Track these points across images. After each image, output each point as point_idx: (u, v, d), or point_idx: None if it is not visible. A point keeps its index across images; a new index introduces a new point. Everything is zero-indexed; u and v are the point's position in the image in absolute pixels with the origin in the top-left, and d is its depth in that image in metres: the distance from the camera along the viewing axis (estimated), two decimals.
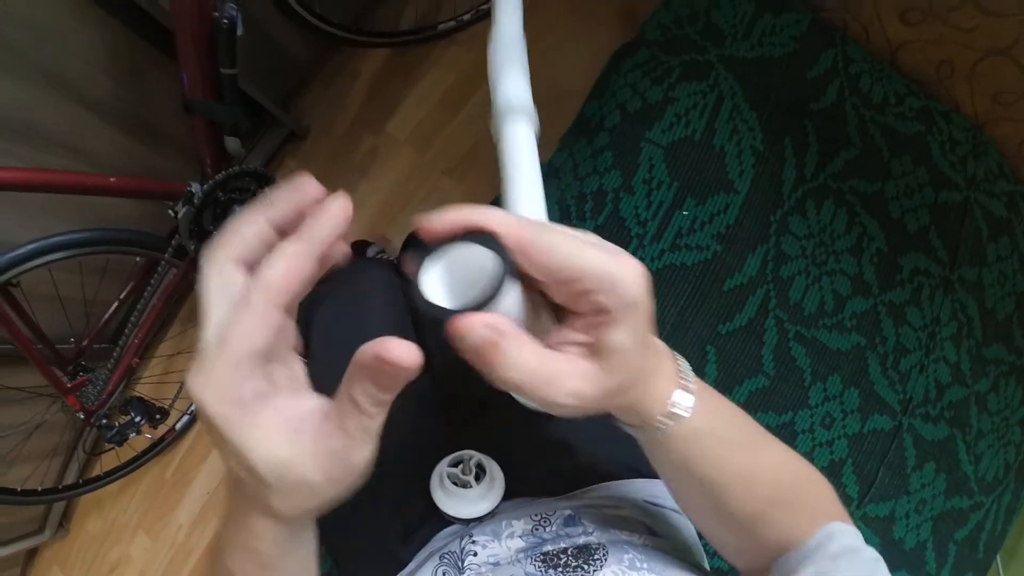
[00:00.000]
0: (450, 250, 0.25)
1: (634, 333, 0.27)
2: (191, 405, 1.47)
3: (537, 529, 0.49)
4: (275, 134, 1.49)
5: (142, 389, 1.47)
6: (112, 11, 1.01)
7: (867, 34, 0.97)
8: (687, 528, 0.54)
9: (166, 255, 1.08)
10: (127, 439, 1.29)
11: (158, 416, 1.34)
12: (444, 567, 0.47)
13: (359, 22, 1.45)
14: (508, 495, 0.54)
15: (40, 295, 1.08)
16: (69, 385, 1.16)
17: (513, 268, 0.24)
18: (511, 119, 0.41)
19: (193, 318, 1.51)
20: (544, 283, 0.26)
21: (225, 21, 0.85)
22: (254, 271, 0.27)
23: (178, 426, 1.49)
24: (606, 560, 0.41)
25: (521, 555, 0.46)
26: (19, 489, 1.27)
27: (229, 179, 1.02)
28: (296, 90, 1.54)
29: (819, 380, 0.80)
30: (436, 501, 0.53)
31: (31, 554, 1.59)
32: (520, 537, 0.48)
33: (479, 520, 0.53)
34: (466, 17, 1.44)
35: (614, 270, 0.25)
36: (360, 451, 0.25)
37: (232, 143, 1.02)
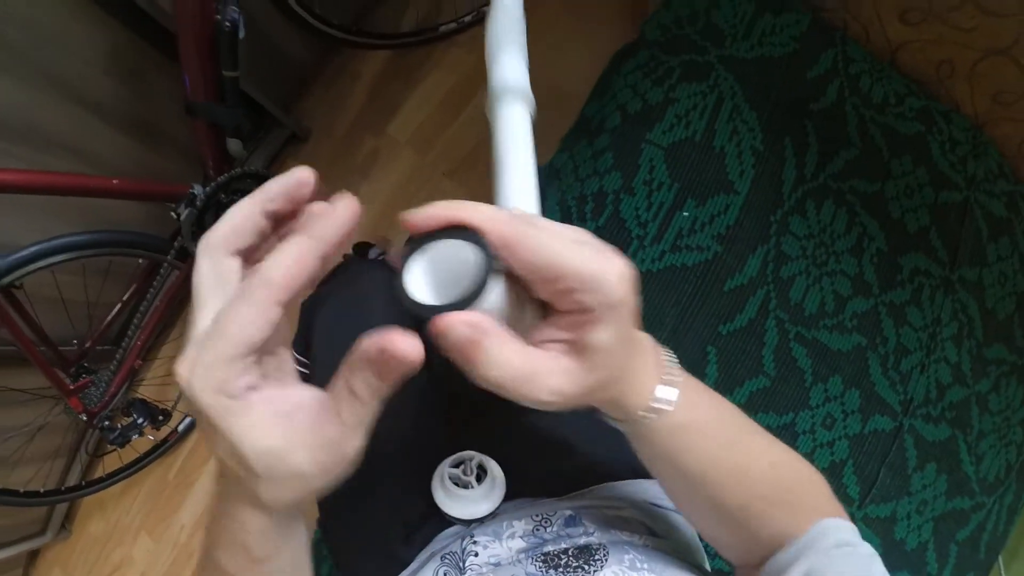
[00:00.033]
0: (436, 245, 0.25)
1: (616, 332, 0.27)
2: None
3: (538, 530, 0.49)
4: (276, 136, 1.49)
5: (145, 391, 1.47)
6: (113, 12, 1.01)
7: (867, 34, 0.97)
8: (688, 529, 0.54)
9: (168, 257, 1.08)
10: (129, 441, 1.29)
11: (160, 418, 1.34)
12: (445, 567, 0.47)
13: (360, 24, 1.45)
14: (509, 496, 0.54)
15: (43, 297, 1.08)
16: (72, 387, 1.16)
17: (497, 265, 0.24)
18: (507, 101, 0.40)
19: None
20: (529, 280, 0.26)
21: (227, 24, 0.85)
22: (249, 261, 0.27)
23: (180, 428, 1.49)
24: (607, 560, 0.41)
25: (522, 555, 0.46)
26: (22, 491, 1.27)
27: (231, 181, 1.03)
28: (297, 92, 1.55)
29: (820, 381, 0.80)
30: (437, 502, 0.53)
31: (33, 555, 1.60)
32: (521, 538, 0.48)
33: (480, 521, 0.53)
34: (467, 19, 1.45)
35: (597, 270, 0.25)
36: (353, 441, 0.25)
37: (234, 145, 1.03)
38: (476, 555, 0.47)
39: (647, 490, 0.56)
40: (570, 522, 0.49)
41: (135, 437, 1.30)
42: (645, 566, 0.40)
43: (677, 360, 0.34)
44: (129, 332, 1.17)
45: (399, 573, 0.53)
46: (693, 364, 0.78)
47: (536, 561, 0.43)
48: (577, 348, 0.27)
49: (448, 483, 0.53)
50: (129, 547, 1.54)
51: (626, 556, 0.41)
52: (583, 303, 0.25)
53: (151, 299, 1.14)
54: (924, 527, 0.81)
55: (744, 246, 0.81)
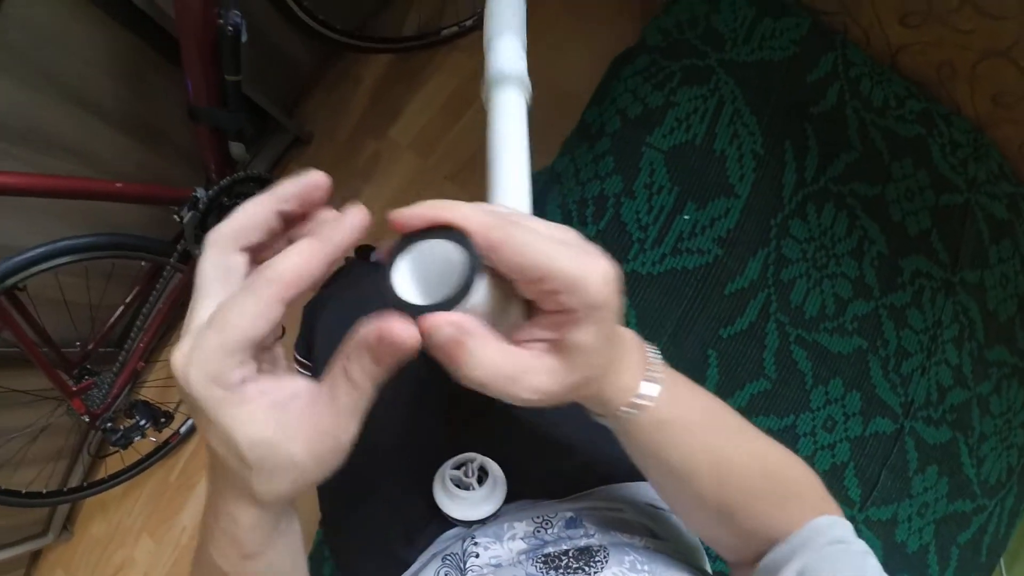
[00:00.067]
0: (423, 245, 0.26)
1: (598, 333, 0.27)
2: None
3: (539, 531, 0.49)
4: (279, 139, 1.50)
5: (147, 393, 1.48)
6: (112, 13, 1.01)
7: (867, 37, 0.97)
8: (689, 531, 0.54)
9: (171, 260, 1.09)
10: (132, 442, 1.30)
11: (163, 420, 1.34)
12: (446, 568, 0.48)
13: (362, 28, 1.46)
14: (510, 497, 0.54)
15: (46, 299, 1.09)
16: (74, 388, 1.17)
17: (481, 265, 0.25)
18: (503, 87, 0.39)
19: None
20: (514, 280, 0.27)
21: (229, 28, 0.86)
22: (254, 260, 0.27)
23: (182, 430, 1.50)
24: (607, 562, 0.41)
25: (523, 557, 0.46)
26: (24, 491, 1.27)
27: (234, 184, 1.03)
28: (300, 96, 1.55)
29: (820, 383, 0.80)
30: (439, 503, 0.54)
31: (35, 556, 1.60)
32: (522, 539, 0.48)
33: (481, 522, 0.53)
34: (469, 23, 1.45)
35: (580, 273, 0.25)
36: (347, 428, 0.25)
37: (237, 149, 1.03)
38: (477, 556, 0.47)
39: (648, 492, 0.56)
40: (571, 524, 0.49)
41: (137, 439, 1.30)
42: (646, 568, 0.40)
43: (660, 356, 0.34)
44: (132, 334, 1.18)
45: (400, 574, 0.53)
46: (694, 367, 0.78)
47: (537, 562, 0.43)
48: (559, 347, 0.27)
49: (449, 485, 0.54)
50: (131, 548, 1.54)
51: (626, 558, 0.41)
52: (566, 304, 0.26)
53: (154, 302, 1.15)
54: (925, 530, 0.81)
55: (745, 249, 0.81)
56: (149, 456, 1.48)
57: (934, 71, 0.96)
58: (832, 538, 0.35)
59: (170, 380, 1.48)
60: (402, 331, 0.23)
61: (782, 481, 0.38)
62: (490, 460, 0.55)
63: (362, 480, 0.59)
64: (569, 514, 0.50)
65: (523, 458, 0.56)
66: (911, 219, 0.88)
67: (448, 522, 0.55)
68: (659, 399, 0.33)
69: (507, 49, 0.42)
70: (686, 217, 0.80)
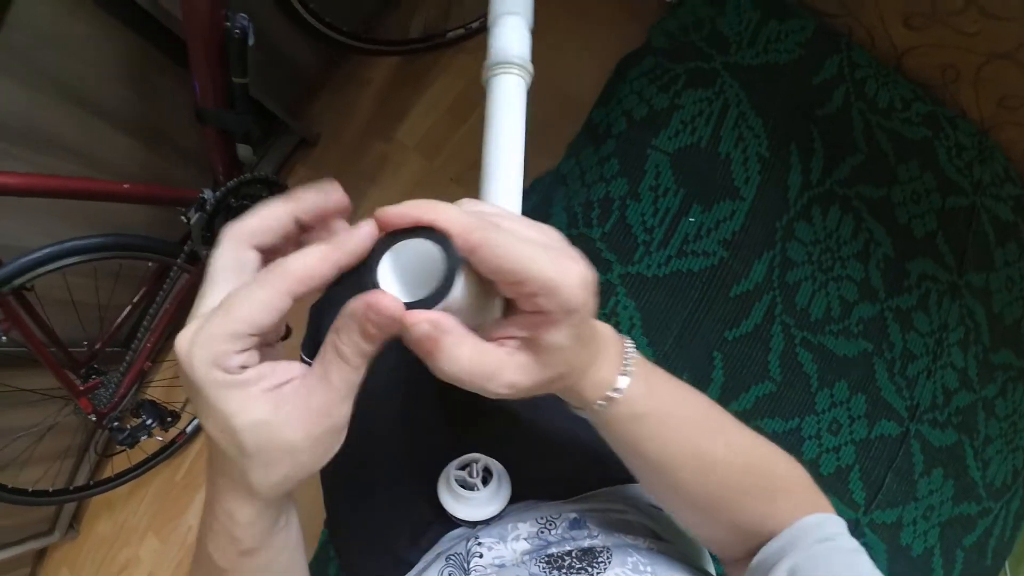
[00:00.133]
0: (408, 243, 0.27)
1: (572, 335, 0.28)
2: None
3: (542, 532, 0.49)
4: (286, 141, 1.51)
5: (154, 392, 1.48)
6: (114, 13, 1.01)
7: (872, 39, 0.97)
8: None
9: (178, 260, 1.09)
10: (138, 442, 1.30)
11: (169, 419, 1.35)
12: (450, 568, 0.48)
13: (368, 30, 1.46)
14: (514, 498, 0.55)
15: (54, 299, 1.09)
16: (82, 388, 1.17)
17: (460, 266, 0.26)
18: (504, 72, 0.40)
19: None
20: (493, 280, 0.27)
21: (236, 31, 0.86)
22: (265, 260, 0.28)
23: (189, 429, 1.50)
24: (610, 563, 0.41)
25: (526, 557, 0.47)
26: (30, 490, 1.28)
27: (241, 186, 1.04)
28: (306, 98, 1.56)
29: (826, 386, 0.80)
30: (443, 503, 0.54)
31: (40, 555, 1.61)
32: (525, 540, 0.49)
33: (485, 523, 0.53)
34: (475, 25, 1.46)
35: (557, 277, 0.26)
36: (341, 408, 0.26)
37: (244, 150, 1.04)
38: (481, 556, 0.47)
39: None
40: (574, 525, 0.49)
41: (144, 438, 1.31)
42: (648, 569, 0.40)
43: (635, 348, 0.35)
44: (139, 334, 1.18)
45: (405, 574, 0.54)
46: (699, 369, 0.78)
47: (540, 563, 0.43)
48: (533, 345, 0.28)
49: (454, 485, 0.54)
50: (136, 547, 1.55)
51: (629, 559, 0.41)
52: (543, 306, 0.27)
53: (161, 302, 1.15)
54: (930, 533, 0.80)
55: (750, 252, 0.81)
56: (155, 455, 1.49)
57: (939, 73, 0.96)
58: (821, 536, 0.35)
59: (176, 380, 1.49)
60: (389, 303, 0.24)
61: (767, 476, 0.38)
62: (494, 461, 0.55)
63: (367, 480, 0.60)
64: (573, 515, 0.50)
65: (527, 459, 0.56)
66: (917, 221, 0.88)
67: (452, 522, 0.55)
68: (635, 392, 0.33)
69: (510, 31, 0.42)
70: (691, 219, 0.80)
